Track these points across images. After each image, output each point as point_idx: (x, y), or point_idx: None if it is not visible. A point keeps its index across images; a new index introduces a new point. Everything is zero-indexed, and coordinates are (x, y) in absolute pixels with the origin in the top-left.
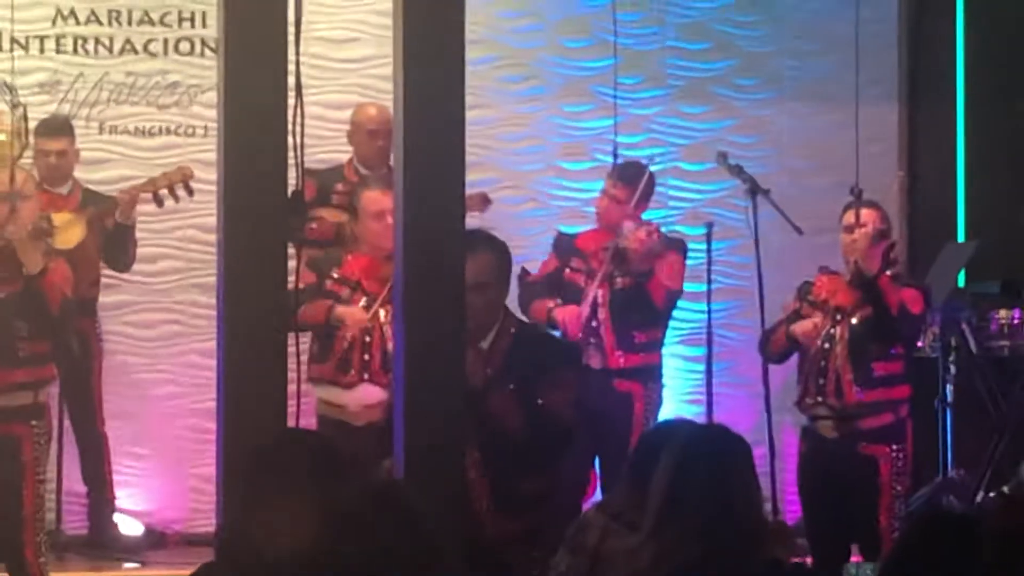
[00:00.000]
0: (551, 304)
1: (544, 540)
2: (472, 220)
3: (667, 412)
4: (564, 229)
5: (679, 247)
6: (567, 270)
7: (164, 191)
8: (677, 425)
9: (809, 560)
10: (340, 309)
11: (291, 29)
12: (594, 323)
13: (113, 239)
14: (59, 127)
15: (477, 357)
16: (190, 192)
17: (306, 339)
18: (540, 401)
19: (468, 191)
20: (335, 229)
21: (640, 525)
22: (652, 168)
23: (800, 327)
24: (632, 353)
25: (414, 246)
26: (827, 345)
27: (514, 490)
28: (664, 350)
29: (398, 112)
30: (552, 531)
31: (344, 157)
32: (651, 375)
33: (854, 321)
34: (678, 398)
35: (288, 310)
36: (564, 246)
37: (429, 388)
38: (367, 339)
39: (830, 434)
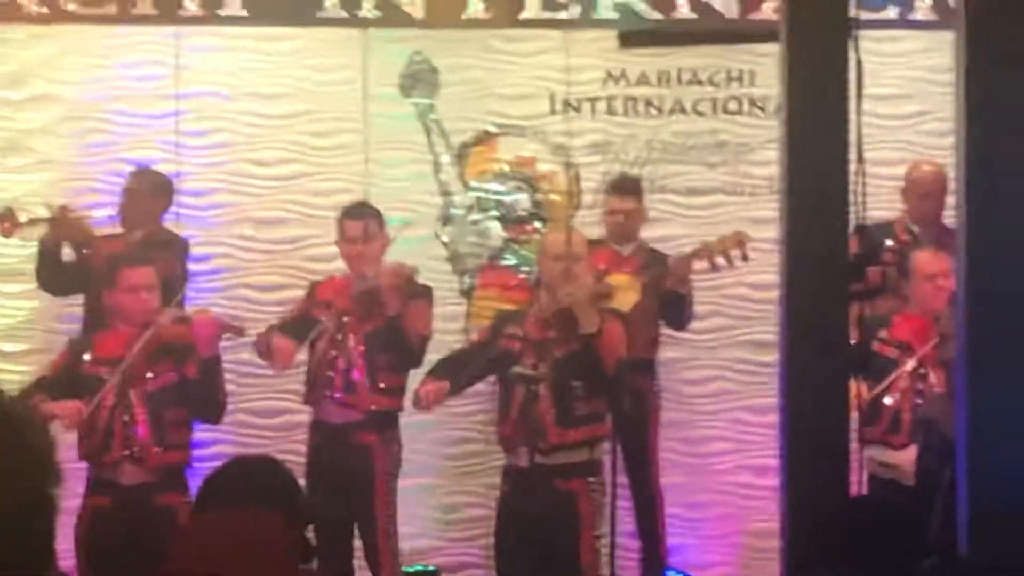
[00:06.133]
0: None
1: None
2: None
3: None
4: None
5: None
6: None
7: (720, 257)
8: None
9: None
10: None
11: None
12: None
13: (668, 303)
14: (631, 186)
15: None
16: (745, 258)
17: None
18: None
19: None
20: (882, 275)
21: None
22: None
23: None
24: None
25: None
26: None
27: None
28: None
29: (960, 169)
30: None
31: (892, 214)
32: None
33: None
34: None
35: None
36: None
37: None
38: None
39: None
